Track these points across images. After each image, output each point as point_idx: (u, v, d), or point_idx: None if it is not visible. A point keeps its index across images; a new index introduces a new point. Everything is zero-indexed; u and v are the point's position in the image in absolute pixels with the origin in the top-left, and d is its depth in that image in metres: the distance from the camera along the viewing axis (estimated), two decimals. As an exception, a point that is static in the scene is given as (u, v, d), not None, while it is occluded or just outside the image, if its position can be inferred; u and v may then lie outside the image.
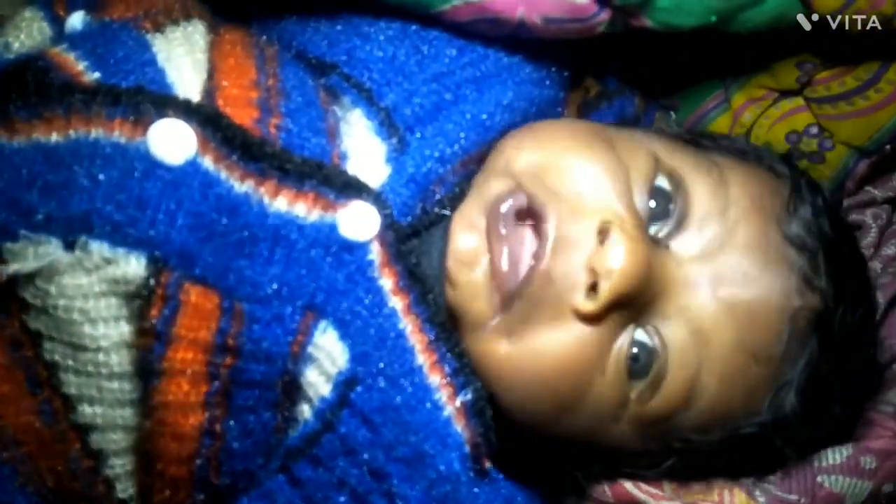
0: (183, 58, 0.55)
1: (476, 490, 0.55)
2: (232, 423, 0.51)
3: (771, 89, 0.69)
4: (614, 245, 0.52)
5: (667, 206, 0.56)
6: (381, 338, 0.53)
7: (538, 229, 0.54)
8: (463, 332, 0.56)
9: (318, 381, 0.52)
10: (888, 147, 0.69)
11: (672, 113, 0.73)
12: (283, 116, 0.54)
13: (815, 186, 0.61)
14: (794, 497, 0.60)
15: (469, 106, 0.58)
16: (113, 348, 0.50)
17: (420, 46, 0.59)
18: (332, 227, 0.52)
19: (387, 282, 0.53)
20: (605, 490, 0.62)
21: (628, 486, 0.61)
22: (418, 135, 0.57)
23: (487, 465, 0.56)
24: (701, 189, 0.56)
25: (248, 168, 0.51)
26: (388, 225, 0.53)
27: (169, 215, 0.49)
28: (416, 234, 0.56)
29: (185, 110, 0.51)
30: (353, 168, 0.55)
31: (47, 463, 0.52)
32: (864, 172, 0.70)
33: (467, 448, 0.54)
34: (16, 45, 0.57)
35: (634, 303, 0.54)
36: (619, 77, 0.68)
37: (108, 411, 0.51)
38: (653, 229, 0.56)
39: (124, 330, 0.50)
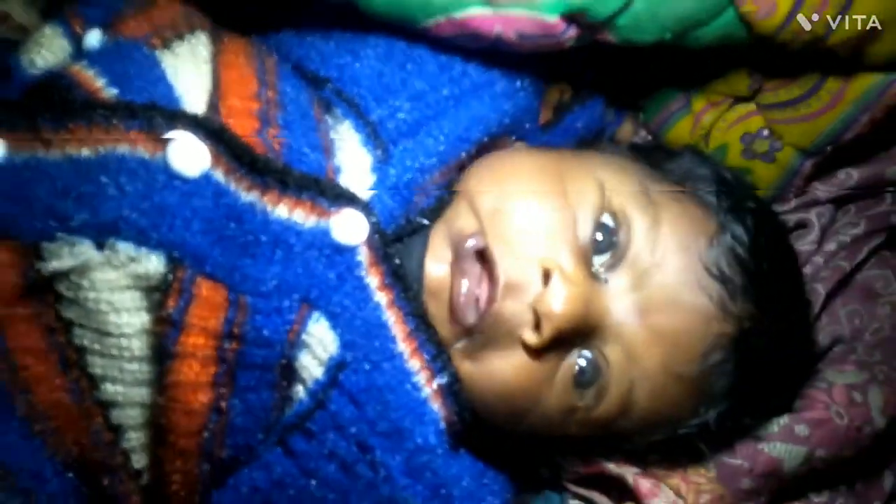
0: (189, 73, 0.58)
1: (451, 461, 0.59)
2: (236, 401, 0.55)
3: (726, 95, 0.72)
4: (554, 289, 0.56)
5: (610, 239, 0.59)
6: (366, 328, 0.57)
7: (491, 273, 0.58)
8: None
9: (311, 365, 0.56)
10: (829, 148, 0.71)
11: (641, 114, 0.75)
12: (281, 128, 0.57)
13: (744, 209, 0.63)
14: (738, 461, 0.65)
15: (447, 121, 0.62)
16: (134, 334, 0.53)
17: (405, 65, 0.62)
18: (326, 232, 0.55)
19: (373, 280, 0.57)
20: (577, 462, 0.67)
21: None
22: (401, 147, 0.60)
23: (458, 441, 0.60)
24: (637, 227, 0.60)
25: (254, 181, 0.55)
26: (375, 231, 0.57)
27: (185, 221, 0.53)
28: (399, 240, 0.60)
29: (193, 124, 0.54)
30: (346, 179, 0.58)
31: (73, 436, 0.56)
32: (809, 171, 0.73)
33: (443, 424, 0.58)
34: (39, 61, 0.60)
35: (577, 334, 0.58)
36: (591, 84, 0.71)
37: (128, 390, 0.55)
38: (597, 261, 0.59)
39: (144, 319, 0.53)
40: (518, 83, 0.65)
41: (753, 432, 0.66)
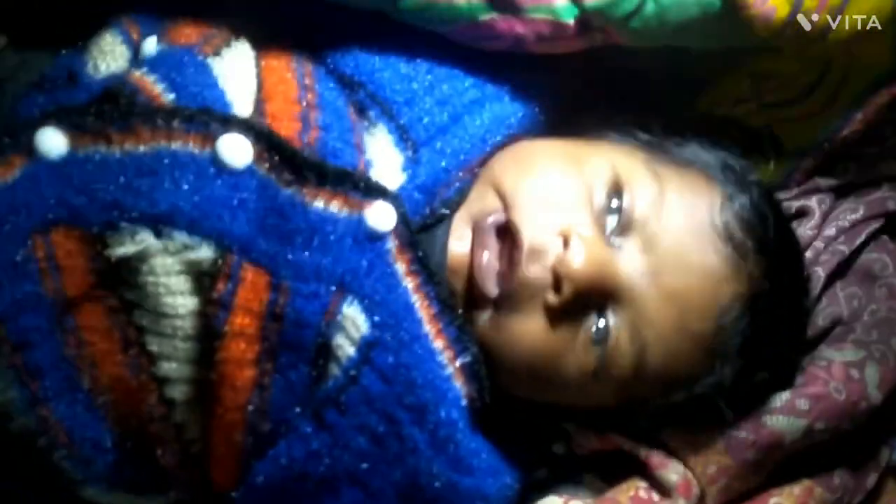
0: (236, 78, 0.61)
1: (471, 436, 0.62)
2: (277, 377, 0.57)
3: (729, 95, 0.75)
4: (574, 251, 0.60)
5: (621, 207, 0.63)
6: (395, 310, 0.60)
7: (515, 241, 0.61)
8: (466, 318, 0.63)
9: (344, 344, 0.59)
10: (826, 145, 0.75)
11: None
12: (320, 129, 0.60)
13: (749, 186, 0.66)
14: (743, 434, 0.68)
15: (471, 123, 0.65)
16: (187, 315, 0.57)
17: (432, 70, 0.66)
18: (359, 222, 0.59)
19: (401, 266, 0.60)
20: (591, 437, 0.69)
21: (610, 433, 0.69)
22: (429, 149, 0.64)
23: (479, 417, 0.62)
24: (644, 195, 0.63)
25: (294, 175, 0.58)
26: (402, 221, 0.60)
27: (232, 212, 0.56)
28: (423, 230, 0.63)
29: (245, 127, 0.58)
30: (376, 174, 0.62)
31: (131, 409, 0.59)
32: (808, 166, 0.76)
33: (465, 401, 0.61)
34: (103, 67, 0.63)
35: (594, 295, 0.61)
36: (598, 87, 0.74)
37: (181, 367, 0.58)
38: (610, 223, 0.63)
39: (196, 301, 0.57)
40: (534, 85, 0.69)
41: (762, 404, 0.68)
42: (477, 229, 0.63)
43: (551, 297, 0.61)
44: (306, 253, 0.58)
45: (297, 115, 0.61)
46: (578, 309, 0.62)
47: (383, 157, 0.63)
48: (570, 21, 0.64)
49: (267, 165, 0.58)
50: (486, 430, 0.64)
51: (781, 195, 0.77)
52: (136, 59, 0.63)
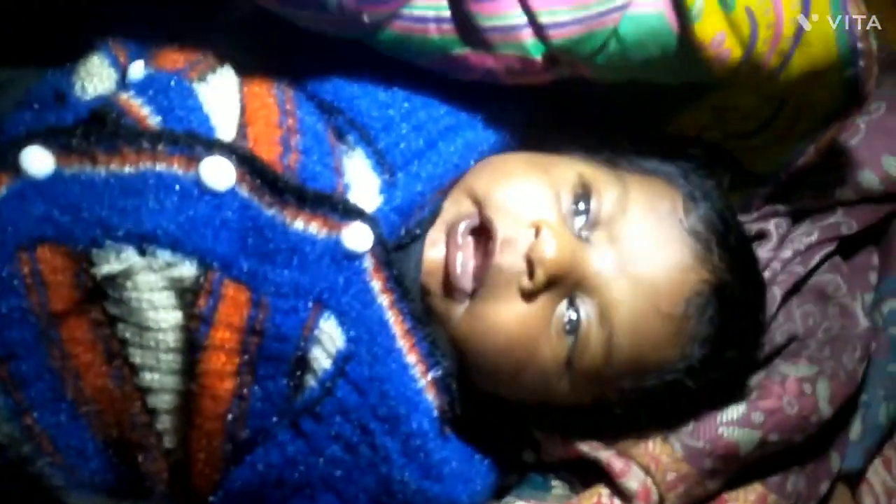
0: (221, 103, 0.63)
1: (442, 445, 0.64)
2: (256, 388, 0.59)
3: (692, 125, 0.76)
4: (545, 239, 0.63)
5: (587, 206, 0.66)
6: (370, 325, 0.61)
7: (489, 237, 0.64)
8: (439, 322, 0.65)
9: (321, 357, 0.60)
10: (782, 174, 0.78)
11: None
12: (301, 153, 0.62)
13: (708, 193, 0.69)
14: (701, 444, 0.70)
15: (445, 149, 0.68)
16: (169, 329, 0.58)
17: (409, 97, 0.68)
18: (337, 243, 0.60)
19: (376, 283, 0.62)
20: (557, 445, 0.71)
21: (576, 442, 0.71)
22: (405, 173, 0.66)
23: (448, 428, 0.65)
24: (609, 195, 0.66)
25: (275, 197, 0.60)
26: (379, 241, 0.62)
27: (215, 231, 0.57)
28: (398, 249, 0.65)
29: (228, 151, 0.59)
30: (354, 196, 0.63)
31: (114, 418, 0.60)
32: (767, 192, 0.79)
33: (436, 413, 0.63)
34: (90, 89, 0.64)
35: (566, 281, 0.63)
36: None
37: (163, 378, 0.59)
38: (577, 224, 0.65)
39: (178, 315, 0.58)
40: (505, 111, 0.71)
41: (714, 413, 0.70)
42: (451, 232, 0.65)
43: (525, 282, 0.63)
44: (286, 271, 0.59)
45: (279, 139, 0.62)
46: (551, 298, 0.64)
47: (361, 181, 0.65)
48: (538, 57, 0.66)
49: (249, 187, 0.60)
50: (457, 439, 0.66)
51: (741, 218, 0.79)
52: (123, 82, 0.64)
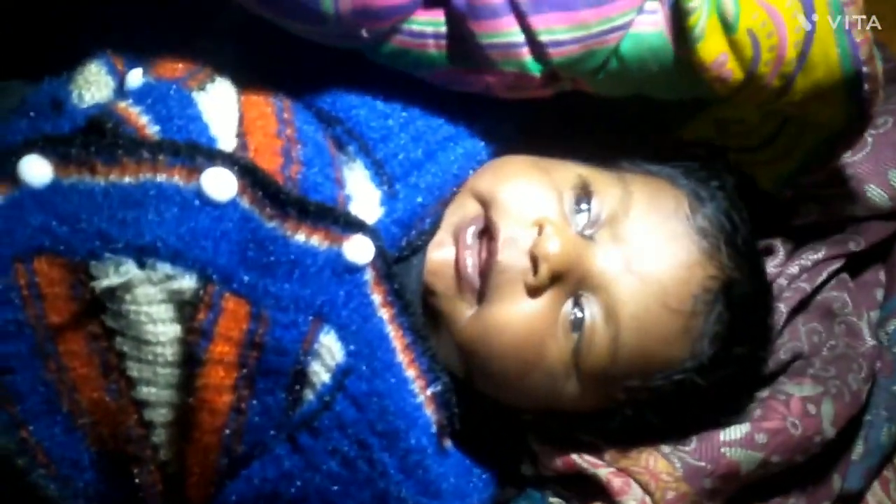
0: (221, 112, 0.62)
1: (440, 461, 0.64)
2: (254, 401, 0.58)
3: (698, 136, 0.76)
4: (548, 235, 0.63)
5: (589, 207, 0.66)
6: (370, 339, 0.61)
7: (493, 235, 0.64)
8: (444, 327, 0.65)
9: (320, 371, 0.60)
10: (788, 192, 0.78)
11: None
12: (302, 164, 0.61)
13: (713, 193, 0.69)
14: (702, 463, 0.70)
15: (445, 160, 0.68)
16: (168, 343, 0.57)
17: (407, 107, 0.68)
18: (338, 255, 0.60)
19: (377, 297, 0.62)
20: (556, 459, 0.71)
21: (573, 455, 0.70)
22: (405, 184, 0.65)
23: (448, 443, 0.65)
24: (610, 195, 0.66)
25: (276, 210, 0.59)
26: (380, 254, 0.61)
27: (215, 243, 0.57)
28: (398, 261, 0.64)
29: (229, 161, 0.58)
30: (355, 208, 0.63)
31: (110, 430, 0.59)
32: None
33: (434, 428, 0.63)
34: (87, 97, 0.64)
35: (569, 278, 0.64)
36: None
37: (160, 391, 0.58)
38: (580, 223, 0.66)
39: (177, 329, 0.57)
40: (504, 120, 0.71)
41: (717, 432, 0.70)
42: (460, 234, 0.65)
43: (530, 279, 0.63)
44: (286, 284, 0.59)
45: (279, 150, 0.62)
46: (556, 296, 0.64)
47: (362, 192, 0.65)
48: (538, 74, 0.66)
49: (250, 199, 0.59)
50: (455, 454, 0.66)
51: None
52: (121, 91, 0.64)
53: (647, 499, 0.70)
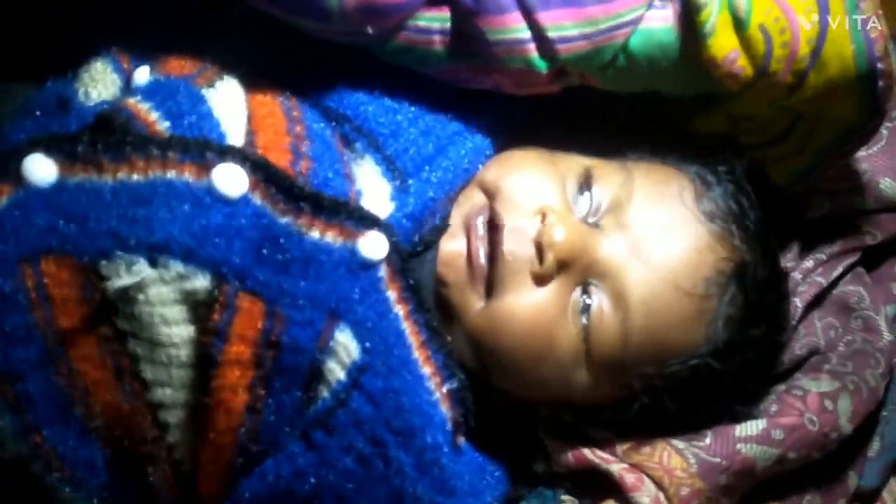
0: (230, 109, 0.62)
1: (455, 459, 0.64)
2: (270, 400, 0.58)
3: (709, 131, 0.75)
4: (552, 223, 0.63)
5: (591, 195, 0.66)
6: (386, 336, 0.61)
7: (498, 224, 0.64)
8: (456, 320, 0.65)
9: (335, 369, 0.59)
10: (799, 187, 0.77)
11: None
12: (312, 160, 0.61)
13: (720, 177, 0.69)
14: (717, 460, 0.69)
15: (455, 154, 0.67)
16: (182, 344, 0.57)
17: (416, 103, 0.68)
18: (353, 252, 0.60)
19: (392, 293, 0.61)
20: (568, 456, 0.71)
21: (586, 451, 0.70)
22: (416, 179, 0.65)
23: (462, 440, 0.65)
24: (613, 182, 0.67)
25: (289, 205, 0.58)
26: (394, 250, 0.61)
27: (228, 241, 0.56)
28: (411, 257, 0.64)
29: (241, 157, 0.58)
30: (366, 203, 0.63)
31: (124, 432, 0.59)
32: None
33: (450, 425, 0.63)
34: (94, 95, 0.63)
35: (576, 265, 0.64)
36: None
37: (175, 393, 0.58)
38: (583, 210, 0.66)
39: (191, 329, 0.57)
40: (511, 114, 0.71)
41: (732, 428, 0.70)
42: (470, 224, 0.66)
43: (536, 267, 0.63)
44: (302, 282, 0.58)
45: (288, 146, 0.61)
46: (564, 284, 0.64)
47: (372, 187, 0.65)
48: (545, 70, 0.66)
49: (262, 195, 0.59)
50: (469, 451, 0.66)
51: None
52: (128, 88, 0.63)
53: (661, 495, 0.70)
